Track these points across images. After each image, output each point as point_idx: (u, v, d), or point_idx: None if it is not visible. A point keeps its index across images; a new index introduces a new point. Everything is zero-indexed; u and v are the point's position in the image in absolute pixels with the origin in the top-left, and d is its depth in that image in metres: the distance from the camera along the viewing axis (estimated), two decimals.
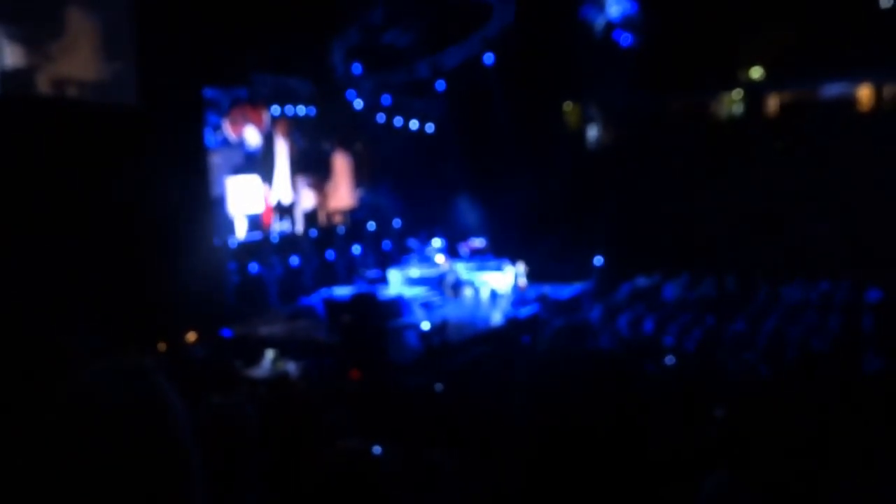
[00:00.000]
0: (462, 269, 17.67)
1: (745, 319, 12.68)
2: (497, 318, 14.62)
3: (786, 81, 19.06)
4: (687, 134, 19.31)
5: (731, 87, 19.74)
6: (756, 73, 19.00)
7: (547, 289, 16.18)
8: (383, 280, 17.08)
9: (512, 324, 13.86)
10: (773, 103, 19.62)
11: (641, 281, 16.83)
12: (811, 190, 17.67)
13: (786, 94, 19.50)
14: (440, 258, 17.53)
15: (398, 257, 18.88)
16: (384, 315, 12.99)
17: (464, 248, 18.52)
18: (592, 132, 22.62)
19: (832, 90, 18.70)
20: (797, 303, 14.01)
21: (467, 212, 19.01)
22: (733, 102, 19.99)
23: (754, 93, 19.54)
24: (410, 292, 16.28)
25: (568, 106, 21.76)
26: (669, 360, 10.15)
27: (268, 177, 17.59)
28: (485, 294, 17.04)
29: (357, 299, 12.63)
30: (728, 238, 17.31)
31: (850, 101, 18.64)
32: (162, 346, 10.73)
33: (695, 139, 19.14)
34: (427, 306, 14.72)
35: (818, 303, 13.81)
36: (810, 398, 7.06)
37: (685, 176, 18.74)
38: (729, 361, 10.15)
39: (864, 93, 18.50)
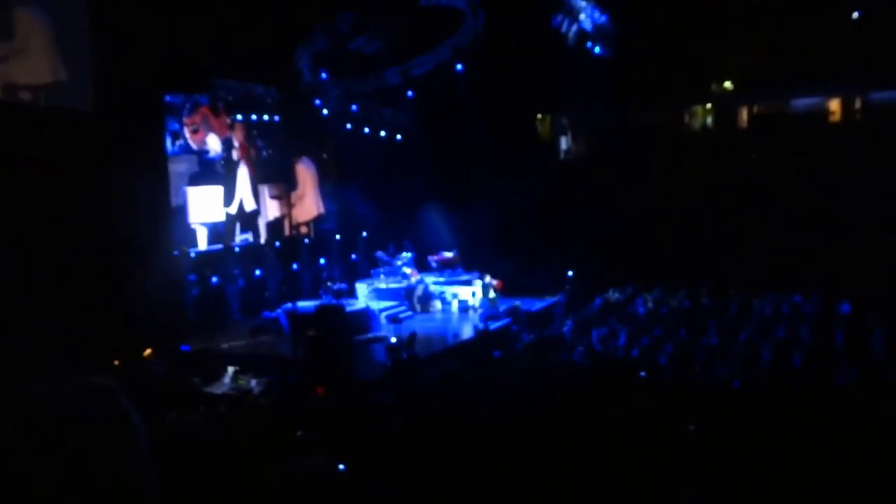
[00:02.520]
0: (431, 282, 17.77)
1: (718, 332, 12.83)
2: (467, 331, 14.70)
3: (756, 94, 19.53)
4: (659, 146, 19.73)
5: (702, 100, 20.18)
6: (726, 85, 20.34)
7: (518, 302, 16.30)
8: (350, 293, 17.15)
9: (483, 337, 13.96)
10: (743, 115, 20.15)
11: (614, 294, 17.15)
12: (783, 202, 18.01)
13: (756, 106, 20.02)
14: (409, 270, 17.66)
15: (365, 269, 18.98)
16: (351, 329, 12.96)
17: (433, 261, 18.62)
18: (564, 143, 22.84)
19: (803, 102, 19.44)
20: (769, 316, 14.21)
21: (437, 223, 18.94)
22: (705, 114, 20.53)
23: (725, 105, 20.00)
24: (378, 305, 16.29)
25: (540, 117, 22.76)
26: (642, 374, 10.38)
27: (230, 186, 17.44)
28: (455, 307, 17.22)
29: (322, 313, 12.55)
30: (700, 251, 17.63)
31: (821, 113, 19.07)
32: (117, 362, 10.61)
33: (667, 151, 19.58)
34: (395, 320, 14.69)
35: (790, 315, 14.00)
36: (784, 412, 7.28)
37: (657, 188, 19.50)
38: (702, 375, 10.19)
39: (835, 105, 18.96)
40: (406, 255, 18.11)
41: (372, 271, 18.37)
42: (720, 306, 15.23)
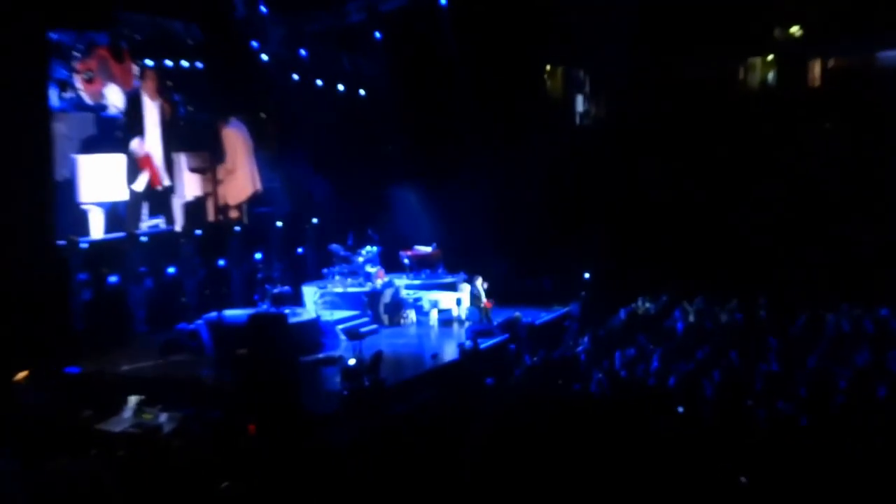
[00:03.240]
0: (404, 286, 17.90)
1: (780, 356, 12.84)
2: (450, 351, 14.86)
3: (832, 43, 19.64)
4: (705, 110, 20.22)
5: (762, 50, 20.36)
6: (794, 31, 20.19)
7: (518, 313, 16.45)
8: (295, 299, 17.19)
9: (470, 359, 14.09)
10: (815, 71, 20.21)
11: (643, 304, 17.12)
12: (866, 186, 18.06)
13: (832, 59, 20.12)
14: (374, 270, 17.69)
15: (316, 268, 18.97)
16: (295, 347, 12.84)
17: (407, 257, 18.74)
18: (580, 104, 22.92)
19: (892, 55, 19.27)
20: (847, 334, 14.22)
21: (412, 208, 19.25)
22: (766, 69, 20.68)
23: (792, 57, 20.19)
24: (332, 316, 16.34)
25: (549, 69, 22.64)
26: (680, 409, 10.45)
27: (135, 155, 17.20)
28: (434, 319, 17.30)
29: (258, 325, 12.26)
30: (758, 249, 18.12)
31: None
32: None
33: (715, 117, 20.09)
34: (355, 335, 14.46)
35: (874, 335, 14.00)
36: (863, 459, 7.40)
37: (702, 165, 19.77)
38: (758, 411, 10.16)
39: None
40: (370, 249, 18.08)
41: (325, 271, 18.35)
42: (782, 322, 15.24)
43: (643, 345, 14.18)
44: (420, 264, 18.91)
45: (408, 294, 17.96)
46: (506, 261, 18.16)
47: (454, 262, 18.75)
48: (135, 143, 17.11)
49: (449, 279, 18.44)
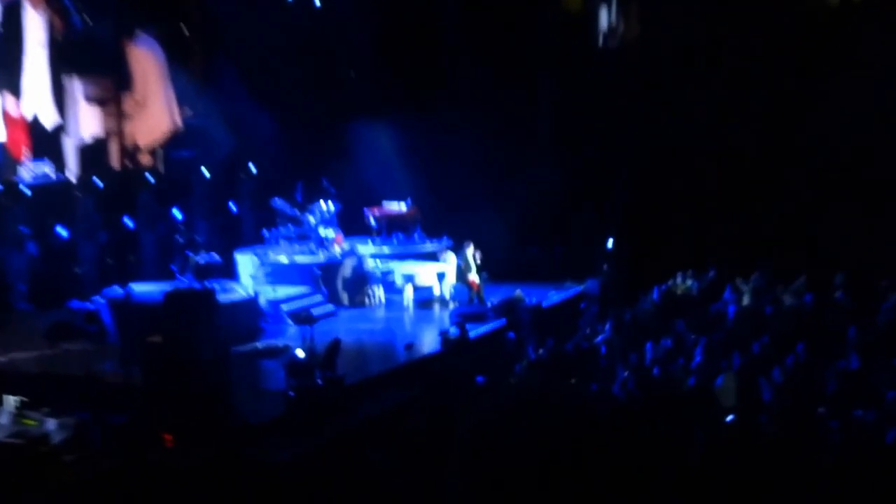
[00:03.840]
0: (369, 255, 18.07)
1: (860, 351, 12.75)
2: (430, 340, 15.01)
3: None
4: (765, 29, 19.86)
5: None
6: None
7: (520, 291, 16.69)
8: (226, 271, 17.27)
9: (456, 351, 14.14)
10: None
11: (683, 282, 17.00)
12: None
13: None
14: (331, 233, 17.79)
15: (253, 230, 19.20)
16: (226, 333, 12.85)
17: (373, 217, 18.91)
18: (605, 19, 22.49)
19: None
20: None
21: (380, 154, 19.32)
22: None
23: None
24: (275, 293, 16.56)
25: None
26: (730, 418, 10.43)
27: (11, 79, 17.04)
28: (408, 298, 17.56)
29: (176, 304, 12.33)
30: (831, 212, 18.05)
31: None
32: None
33: (778, 38, 19.76)
34: (305, 318, 14.45)
35: None
36: None
37: (761, 102, 19.61)
38: (833, 422, 10.14)
39: None
40: (326, 206, 18.08)
41: (265, 234, 18.39)
42: (865, 306, 15.02)
43: (682, 334, 14.15)
44: (391, 226, 18.87)
45: (375, 266, 17.91)
46: (504, 223, 18.14)
47: (436, 223, 18.82)
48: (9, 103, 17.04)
49: (429, 246, 18.48)
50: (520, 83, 19.76)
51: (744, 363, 12.52)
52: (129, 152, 18.87)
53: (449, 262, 17.66)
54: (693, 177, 19.36)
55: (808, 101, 19.25)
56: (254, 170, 20.05)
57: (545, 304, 16.86)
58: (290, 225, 18.10)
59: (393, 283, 17.75)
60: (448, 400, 12.29)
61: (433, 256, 18.08)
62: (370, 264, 17.96)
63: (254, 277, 17.29)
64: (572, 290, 17.73)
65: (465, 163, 19.02)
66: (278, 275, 17.32)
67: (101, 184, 18.08)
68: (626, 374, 12.20)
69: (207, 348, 11.77)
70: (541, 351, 14.05)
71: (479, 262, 17.24)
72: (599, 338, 14.50)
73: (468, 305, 16.83)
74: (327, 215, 18.07)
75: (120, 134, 18.73)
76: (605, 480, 7.05)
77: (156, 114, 19.31)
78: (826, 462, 8.85)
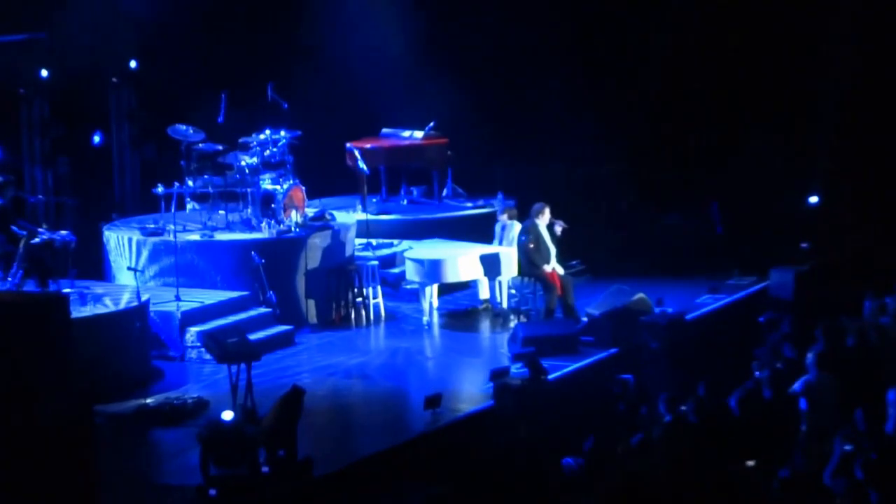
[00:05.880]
0: (353, 223, 15.37)
1: None
2: (471, 388, 12.54)
3: None
4: None
5: None
6: None
7: (642, 294, 14.15)
8: (84, 258, 14.44)
9: (520, 406, 11.95)
10: None
11: None
12: None
13: None
14: (283, 188, 14.81)
15: (137, 184, 16.88)
16: (86, 378, 10.52)
17: (359, 153, 15.83)
18: None
19: None
20: None
21: (373, 37, 16.46)
22: None
23: None
24: (178, 303, 13.93)
25: None
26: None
27: None
28: (429, 307, 14.47)
29: None
30: None
31: None
32: None
33: None
34: (235, 349, 11.94)
35: None
36: None
37: None
38: None
39: None
40: (274, 133, 15.03)
41: (159, 192, 15.43)
42: None
43: None
44: (397, 174, 16.63)
45: (366, 249, 15.18)
46: (609, 170, 15.95)
47: (482, 169, 16.36)
48: None
49: (469, 211, 15.78)
50: None
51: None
52: None
53: (507, 241, 14.26)
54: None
55: None
56: (135, 67, 16.33)
57: (689, 315, 14.11)
58: (205, 173, 14.95)
59: (400, 280, 14.73)
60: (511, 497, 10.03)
61: (476, 227, 15.18)
62: (357, 245, 14.85)
63: (137, 272, 13.87)
64: (743, 289, 14.87)
65: (539, 60, 16.03)
66: (184, 267, 14.20)
67: None
68: (849, 448, 9.52)
69: (50, 406, 9.30)
70: (683, 408, 10.86)
71: (560, 236, 13.98)
72: (797, 384, 11.07)
73: (542, 320, 13.70)
74: (275, 151, 14.70)
75: None
76: None
77: None
78: None
